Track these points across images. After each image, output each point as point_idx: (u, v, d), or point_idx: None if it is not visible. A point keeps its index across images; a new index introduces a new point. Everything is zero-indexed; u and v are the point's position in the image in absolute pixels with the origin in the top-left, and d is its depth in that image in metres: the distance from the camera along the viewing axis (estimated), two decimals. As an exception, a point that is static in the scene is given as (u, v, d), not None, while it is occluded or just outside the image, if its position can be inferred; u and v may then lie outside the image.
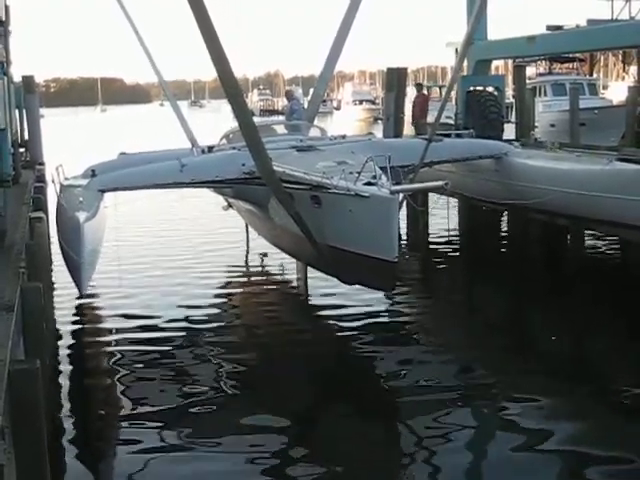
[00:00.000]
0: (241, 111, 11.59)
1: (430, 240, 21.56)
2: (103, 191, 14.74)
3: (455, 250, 20.98)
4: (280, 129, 19.68)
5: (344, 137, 18.68)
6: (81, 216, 12.36)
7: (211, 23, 10.31)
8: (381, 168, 12.36)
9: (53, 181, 15.49)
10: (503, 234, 21.46)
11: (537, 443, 9.58)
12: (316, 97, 22.08)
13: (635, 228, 14.84)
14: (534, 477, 8.95)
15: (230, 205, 20.37)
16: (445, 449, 9.63)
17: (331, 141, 17.57)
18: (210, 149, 17.91)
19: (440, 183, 12.91)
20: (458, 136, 20.21)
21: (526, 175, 16.93)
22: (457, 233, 21.70)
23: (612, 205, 14.51)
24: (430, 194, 22.00)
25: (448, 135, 19.70)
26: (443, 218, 21.16)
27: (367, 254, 12.21)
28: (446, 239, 21.51)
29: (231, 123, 11.60)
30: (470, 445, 9.87)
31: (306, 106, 22.30)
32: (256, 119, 12.84)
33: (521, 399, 11.04)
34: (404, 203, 14.57)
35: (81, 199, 13.35)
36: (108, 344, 14.04)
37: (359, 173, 12.28)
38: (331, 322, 15.29)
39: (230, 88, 11.31)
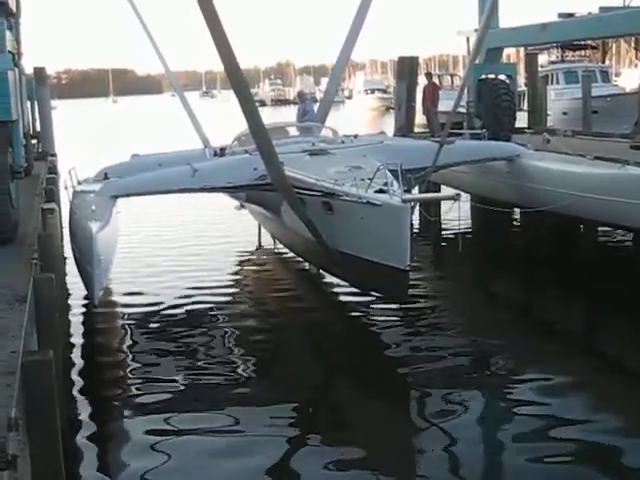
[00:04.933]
0: (252, 116, 11.47)
1: (442, 235, 21.42)
2: (116, 197, 14.82)
3: (467, 241, 20.87)
4: (292, 131, 19.72)
5: (356, 137, 18.63)
6: (94, 227, 12.34)
7: (221, 25, 10.22)
8: (392, 172, 12.41)
9: (66, 187, 15.52)
10: (515, 224, 21.35)
11: (547, 424, 9.59)
12: (328, 97, 22.03)
13: None
14: (544, 457, 8.90)
15: (243, 206, 20.36)
16: (455, 426, 9.68)
17: (343, 143, 17.51)
18: (222, 151, 17.98)
19: (452, 194, 13.00)
20: (473, 135, 20.14)
21: (538, 178, 16.85)
22: (469, 225, 21.59)
23: (624, 209, 14.45)
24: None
25: (460, 134, 19.66)
26: (455, 211, 21.09)
27: (379, 262, 12.26)
28: (457, 231, 21.42)
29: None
30: (479, 423, 9.93)
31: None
32: (267, 121, 12.85)
33: (532, 379, 11.22)
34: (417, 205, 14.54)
35: (93, 208, 13.33)
36: (122, 334, 14.08)
37: (371, 180, 12.34)
38: (346, 304, 15.42)
39: (242, 95, 11.22)
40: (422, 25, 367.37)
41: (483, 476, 8.85)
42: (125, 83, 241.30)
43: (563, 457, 8.88)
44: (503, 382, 11.22)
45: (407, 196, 12.07)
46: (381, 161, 13.43)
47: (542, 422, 9.68)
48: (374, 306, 14.63)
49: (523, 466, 8.72)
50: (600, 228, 17.53)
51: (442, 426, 9.79)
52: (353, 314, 15.06)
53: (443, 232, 21.30)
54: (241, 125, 12.96)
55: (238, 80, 11.05)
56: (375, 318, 14.29)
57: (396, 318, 14.23)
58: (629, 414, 9.94)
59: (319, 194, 13.43)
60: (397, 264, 11.95)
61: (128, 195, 15.23)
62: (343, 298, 15.62)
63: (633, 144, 19.53)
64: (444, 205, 21.22)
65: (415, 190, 15.98)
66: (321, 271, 16.42)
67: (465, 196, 20.14)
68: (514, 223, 21.30)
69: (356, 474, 8.82)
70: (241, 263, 19.28)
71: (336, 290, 15.92)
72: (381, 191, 12.19)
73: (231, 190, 17.03)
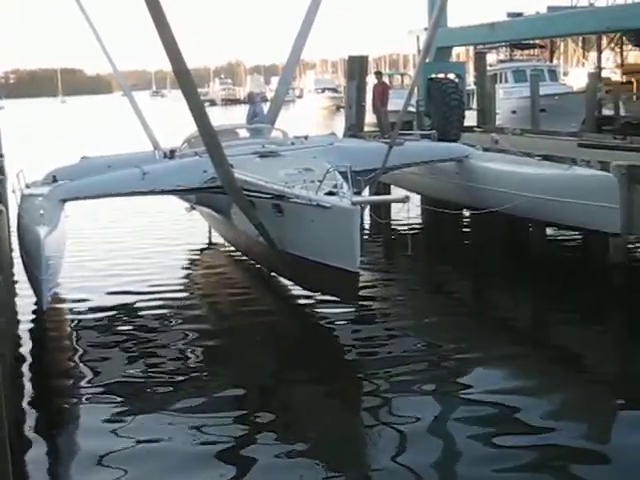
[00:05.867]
0: (201, 119, 11.60)
1: (393, 236, 21.41)
2: (64, 200, 14.73)
3: (418, 242, 20.89)
4: (242, 132, 19.72)
5: (306, 138, 18.66)
6: (42, 231, 12.24)
7: (169, 26, 10.25)
8: (341, 174, 12.51)
9: (14, 191, 15.37)
10: (466, 224, 21.45)
11: (501, 426, 9.63)
12: (278, 97, 22.01)
13: (591, 232, 15.19)
14: (497, 460, 8.90)
15: (193, 208, 20.31)
16: (408, 429, 9.66)
17: (293, 145, 17.55)
18: (172, 153, 17.91)
19: (401, 196, 13.24)
20: (423, 136, 20.27)
21: (486, 179, 17.03)
22: (420, 226, 21.66)
23: (572, 209, 14.69)
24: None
25: (410, 134, 19.79)
26: (405, 212, 21.21)
27: (329, 264, 12.31)
28: (408, 227, 21.50)
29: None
30: (433, 426, 9.87)
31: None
32: (217, 121, 12.90)
33: (485, 379, 11.33)
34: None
35: (42, 212, 13.19)
36: (71, 335, 13.95)
37: (320, 182, 12.37)
38: (298, 302, 15.37)
39: (190, 98, 11.37)
40: (373, 24, 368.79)
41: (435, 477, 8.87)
42: (74, 83, 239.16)
43: (518, 461, 8.81)
44: (456, 383, 11.16)
45: (356, 198, 12.15)
46: (331, 163, 13.51)
47: (496, 424, 9.71)
48: (326, 307, 14.54)
49: (476, 469, 8.73)
50: (548, 228, 17.68)
51: (395, 427, 9.76)
52: (305, 314, 15.02)
53: (393, 233, 21.32)
54: (192, 126, 12.94)
55: (186, 82, 11.13)
56: (328, 319, 14.23)
57: (349, 319, 14.16)
58: (588, 417, 10.08)
59: (269, 196, 13.44)
60: (347, 266, 12.01)
61: (77, 199, 15.13)
62: (295, 299, 15.55)
63: (580, 142, 19.80)
64: (395, 206, 21.28)
65: (365, 192, 16.03)
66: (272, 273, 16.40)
67: (416, 197, 20.28)
68: (464, 224, 21.43)
69: (306, 473, 8.77)
70: (192, 264, 19.20)
71: (288, 291, 15.86)
72: (331, 193, 12.24)
73: (181, 193, 17.02)
